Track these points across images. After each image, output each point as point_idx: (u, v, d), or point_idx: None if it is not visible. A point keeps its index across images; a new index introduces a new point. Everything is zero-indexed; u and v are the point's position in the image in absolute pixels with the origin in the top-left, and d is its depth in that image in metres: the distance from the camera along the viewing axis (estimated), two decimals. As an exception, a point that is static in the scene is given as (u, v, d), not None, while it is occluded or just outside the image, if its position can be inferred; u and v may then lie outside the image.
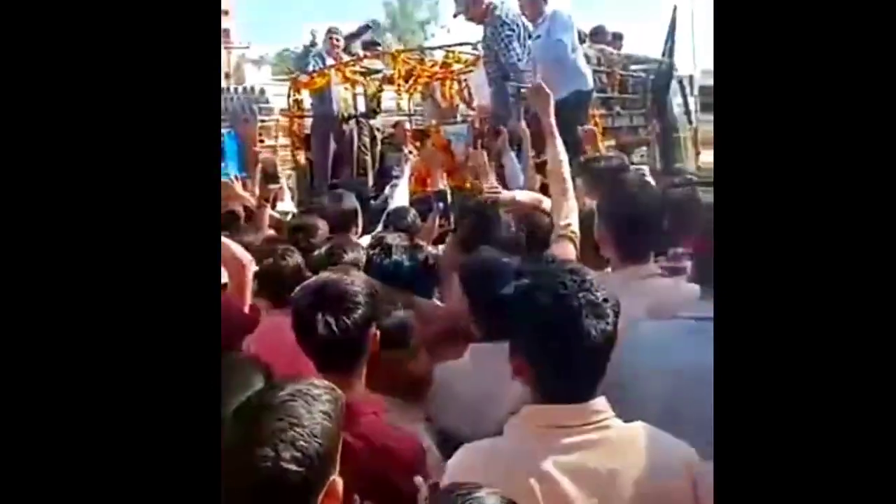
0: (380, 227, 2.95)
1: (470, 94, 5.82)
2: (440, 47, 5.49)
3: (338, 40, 5.72)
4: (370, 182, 5.35)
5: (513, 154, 3.82)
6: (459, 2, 4.14)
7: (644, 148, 6.46)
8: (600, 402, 1.11)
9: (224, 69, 19.17)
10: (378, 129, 5.84)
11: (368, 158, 5.56)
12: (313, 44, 5.96)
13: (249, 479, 0.83)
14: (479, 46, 4.49)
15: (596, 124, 5.17)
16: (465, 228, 2.29)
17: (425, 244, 2.27)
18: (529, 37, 4.17)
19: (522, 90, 3.92)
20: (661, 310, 1.64)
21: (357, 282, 1.43)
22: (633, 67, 6.65)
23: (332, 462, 0.91)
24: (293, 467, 0.83)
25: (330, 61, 5.36)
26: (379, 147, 5.79)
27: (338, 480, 0.92)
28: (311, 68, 5.25)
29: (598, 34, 6.23)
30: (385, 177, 5.52)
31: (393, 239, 2.06)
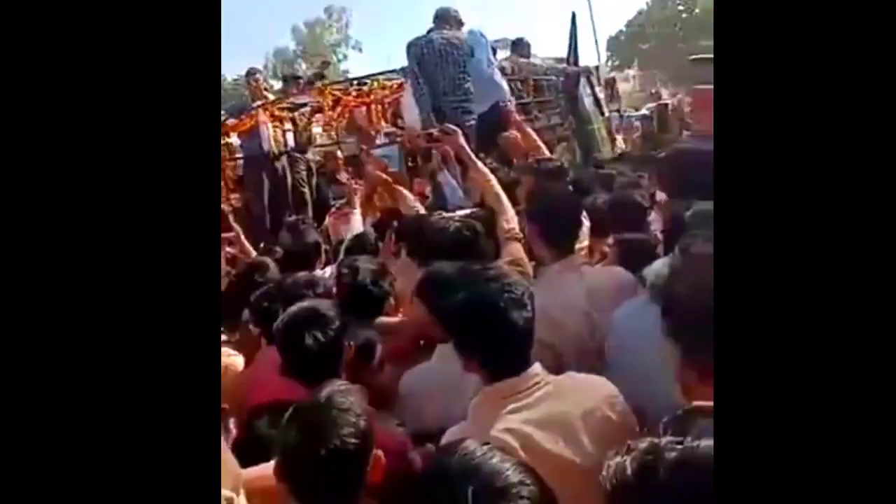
0: (341, 255, 3.13)
1: (394, 115, 6.07)
2: (365, 77, 5.67)
3: (257, 80, 5.86)
4: (310, 213, 5.48)
5: (447, 172, 4.07)
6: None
7: (564, 143, 6.84)
8: (535, 367, 1.40)
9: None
10: (313, 162, 5.99)
11: (307, 191, 5.69)
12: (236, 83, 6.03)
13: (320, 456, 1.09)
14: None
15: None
16: (413, 244, 2.51)
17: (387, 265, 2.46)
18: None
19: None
20: (598, 292, 1.93)
21: (330, 305, 1.76)
22: (543, 72, 7.05)
23: (373, 437, 1.17)
24: (352, 440, 1.11)
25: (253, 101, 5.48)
26: (315, 179, 5.94)
27: (379, 454, 1.16)
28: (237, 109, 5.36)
29: (512, 45, 6.60)
30: (323, 207, 5.68)
31: (363, 263, 2.24)
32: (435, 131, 3.12)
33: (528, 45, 7.04)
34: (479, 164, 2.83)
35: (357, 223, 3.83)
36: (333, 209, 5.41)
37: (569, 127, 7.09)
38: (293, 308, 1.74)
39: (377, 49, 44.11)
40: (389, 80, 5.55)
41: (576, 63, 7.53)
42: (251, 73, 6.07)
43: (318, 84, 5.80)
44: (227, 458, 1.01)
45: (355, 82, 6.33)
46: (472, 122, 4.30)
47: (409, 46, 4.23)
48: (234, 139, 5.43)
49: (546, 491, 0.85)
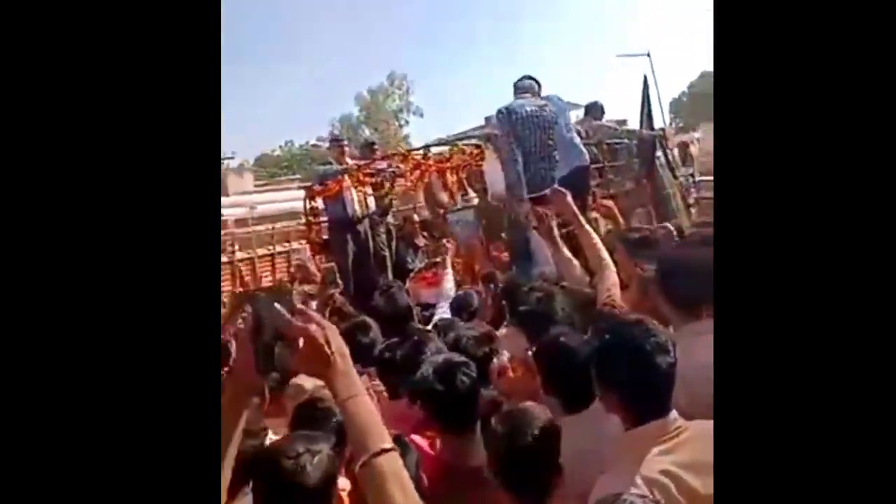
0: (437, 317, 3.14)
1: (468, 180, 6.17)
2: (444, 142, 5.84)
3: (342, 147, 6.09)
4: (390, 276, 5.56)
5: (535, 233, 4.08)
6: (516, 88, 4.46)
7: (640, 209, 6.79)
8: (674, 413, 1.46)
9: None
10: (392, 226, 6.12)
11: (387, 254, 5.80)
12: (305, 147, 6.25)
13: None
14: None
15: (594, 195, 5.54)
16: (528, 311, 2.50)
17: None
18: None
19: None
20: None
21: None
22: (617, 135, 7.08)
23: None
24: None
25: (336, 166, 5.68)
26: (394, 242, 6.05)
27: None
28: (323, 175, 5.56)
29: (586, 109, 6.69)
30: (402, 269, 5.76)
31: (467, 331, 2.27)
32: (548, 192, 3.11)
33: (602, 109, 7.12)
34: (587, 225, 2.84)
35: (450, 284, 3.84)
36: (412, 273, 5.48)
37: (643, 192, 7.04)
38: (436, 359, 1.82)
39: (437, 115, 45.51)
40: (468, 145, 5.65)
41: (650, 127, 7.52)
42: (336, 139, 6.32)
43: (402, 150, 5.96)
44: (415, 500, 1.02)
45: (432, 149, 6.50)
46: None
47: (500, 112, 4.31)
48: (318, 203, 5.60)
49: None
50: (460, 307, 3.27)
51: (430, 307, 3.82)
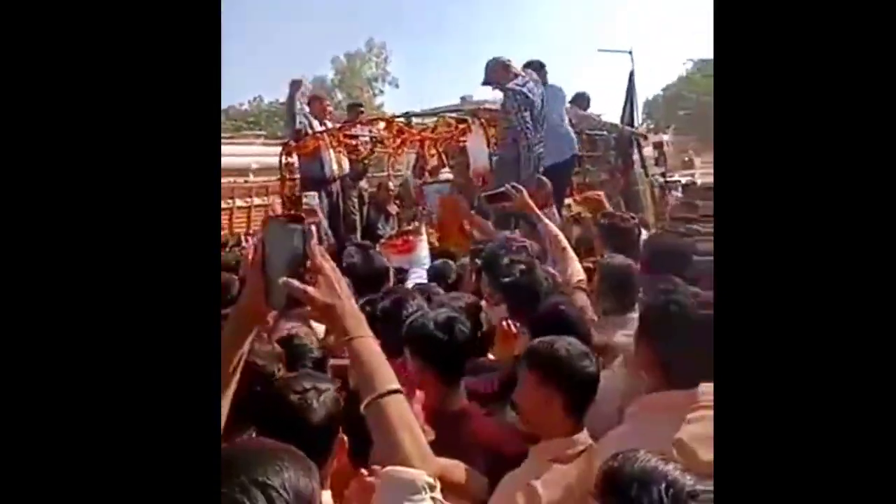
0: (410, 281, 3.11)
1: (446, 155, 6.14)
2: (436, 113, 5.77)
3: (323, 104, 5.96)
4: (358, 238, 5.50)
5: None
6: (487, 68, 4.41)
7: (611, 201, 6.88)
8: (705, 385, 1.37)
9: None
10: (364, 190, 6.04)
11: (357, 218, 5.73)
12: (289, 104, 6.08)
13: None
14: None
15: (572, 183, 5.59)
16: (511, 282, 2.49)
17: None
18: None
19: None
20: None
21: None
22: (599, 127, 7.13)
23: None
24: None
25: (316, 124, 5.56)
26: (366, 207, 5.98)
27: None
28: (301, 131, 5.43)
29: (573, 98, 6.71)
30: (372, 234, 5.70)
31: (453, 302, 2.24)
32: (507, 187, 3.19)
33: (588, 100, 7.15)
34: (546, 220, 3.02)
35: (425, 252, 3.81)
36: (382, 239, 5.43)
37: (616, 185, 7.13)
38: (436, 312, 1.85)
39: (412, 87, 45.00)
40: (453, 118, 5.60)
41: (630, 123, 7.61)
42: (317, 97, 6.18)
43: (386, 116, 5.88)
44: (424, 443, 1.00)
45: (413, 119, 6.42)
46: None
47: (515, 91, 4.25)
48: (294, 159, 5.48)
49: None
50: (437, 276, 3.24)
51: (401, 272, 3.78)
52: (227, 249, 4.58)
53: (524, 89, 4.27)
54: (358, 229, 5.73)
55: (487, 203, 3.79)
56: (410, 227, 5.09)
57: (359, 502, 1.29)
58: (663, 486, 0.90)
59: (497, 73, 4.36)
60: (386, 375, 1.00)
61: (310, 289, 0.98)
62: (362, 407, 0.98)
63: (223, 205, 6.74)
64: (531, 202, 3.14)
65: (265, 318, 1.08)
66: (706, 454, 1.27)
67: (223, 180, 6.96)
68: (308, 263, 0.99)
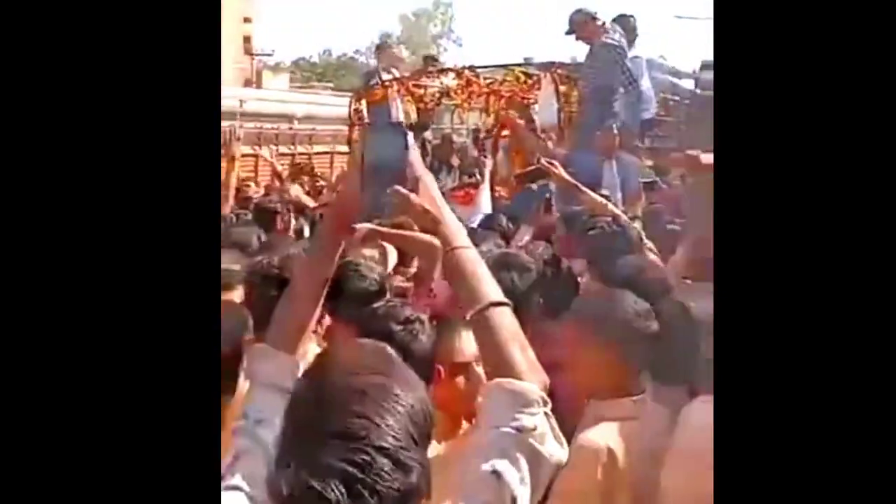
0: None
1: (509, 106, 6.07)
2: (507, 66, 5.70)
3: (392, 51, 5.98)
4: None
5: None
6: (572, 21, 4.33)
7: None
8: None
9: (247, 76, 19.36)
10: (428, 141, 6.07)
11: (420, 168, 5.77)
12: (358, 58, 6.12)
13: None
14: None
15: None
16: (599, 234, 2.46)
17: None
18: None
19: None
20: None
21: None
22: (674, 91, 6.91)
23: None
24: None
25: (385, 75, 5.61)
26: (429, 158, 6.01)
27: None
28: (373, 81, 5.49)
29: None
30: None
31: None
32: (543, 162, 3.14)
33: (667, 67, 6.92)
34: (589, 192, 2.90)
35: (486, 203, 3.84)
36: (444, 190, 5.47)
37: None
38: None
39: (476, 46, 44.30)
40: (523, 73, 5.53)
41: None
42: (385, 44, 6.19)
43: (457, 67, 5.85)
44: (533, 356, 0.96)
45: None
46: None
47: (616, 46, 4.16)
48: (363, 106, 5.55)
49: None
50: (488, 227, 3.22)
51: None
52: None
53: (620, 44, 4.17)
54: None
55: (516, 182, 3.72)
56: (472, 180, 5.11)
57: (454, 407, 1.31)
58: None
59: (585, 26, 4.26)
60: (491, 286, 0.96)
61: (415, 196, 0.96)
62: (468, 316, 0.94)
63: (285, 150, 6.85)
64: (568, 177, 2.99)
65: (354, 229, 1.08)
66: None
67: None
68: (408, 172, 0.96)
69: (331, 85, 17.85)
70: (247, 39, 20.44)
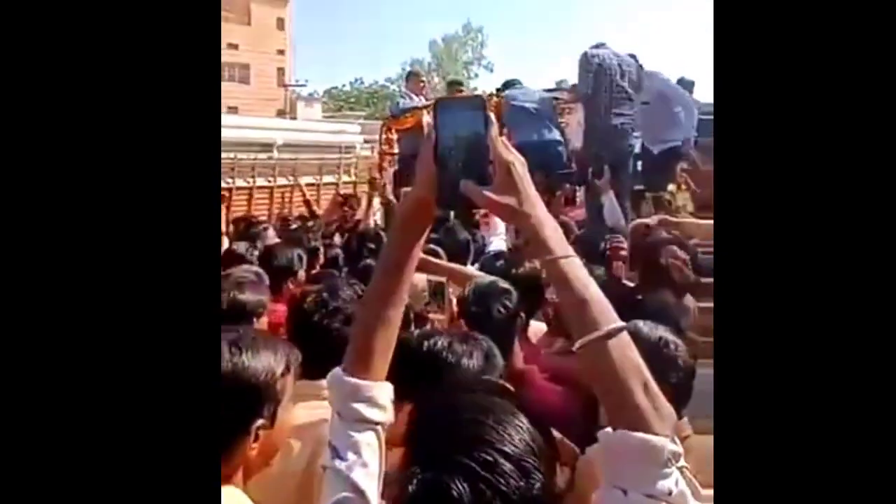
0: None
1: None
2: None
3: (422, 81, 6.04)
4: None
5: (611, 193, 4.05)
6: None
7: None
8: None
9: (280, 106, 19.85)
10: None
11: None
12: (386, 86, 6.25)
13: None
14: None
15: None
16: None
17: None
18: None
19: None
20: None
21: None
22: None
23: None
24: None
25: (415, 101, 5.64)
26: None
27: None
28: (401, 107, 5.53)
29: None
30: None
31: None
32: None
33: (692, 86, 6.86)
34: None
35: (501, 226, 3.80)
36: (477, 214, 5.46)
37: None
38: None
39: (508, 72, 44.70)
40: (554, 97, 5.52)
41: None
42: (414, 73, 6.27)
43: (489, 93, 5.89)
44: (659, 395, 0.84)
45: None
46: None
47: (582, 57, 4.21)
48: (393, 135, 5.60)
49: None
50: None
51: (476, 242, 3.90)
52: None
53: (596, 53, 4.23)
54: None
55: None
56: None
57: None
58: None
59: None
60: (606, 309, 0.77)
61: (493, 195, 0.78)
62: (576, 347, 0.77)
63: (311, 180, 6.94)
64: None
65: (432, 222, 0.90)
66: None
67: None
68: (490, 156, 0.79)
69: (363, 114, 18.13)
70: (280, 72, 21.04)
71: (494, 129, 0.80)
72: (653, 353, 1.25)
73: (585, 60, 4.35)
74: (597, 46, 4.52)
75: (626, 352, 0.76)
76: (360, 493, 0.82)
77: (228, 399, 0.98)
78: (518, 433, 0.72)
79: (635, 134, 4.49)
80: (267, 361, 1.04)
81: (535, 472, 0.70)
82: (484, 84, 33.19)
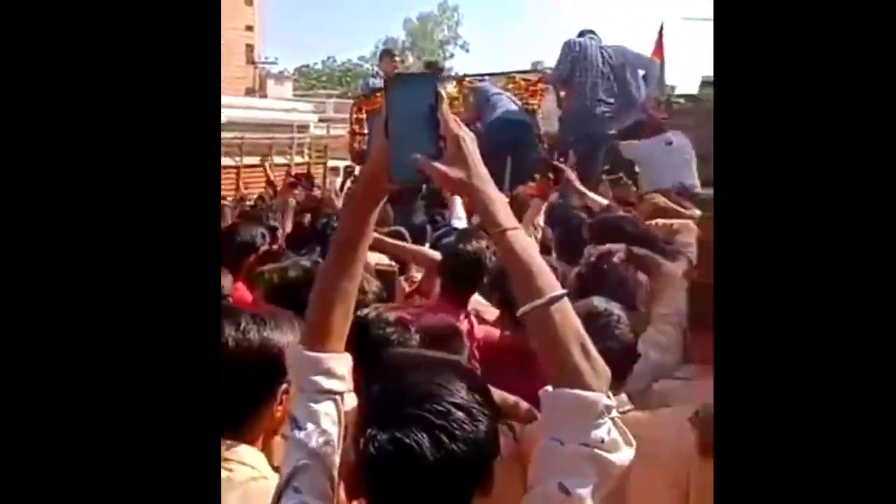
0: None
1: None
2: (510, 73, 5.64)
3: (394, 60, 5.92)
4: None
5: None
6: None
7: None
8: None
9: (249, 84, 19.43)
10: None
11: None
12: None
13: None
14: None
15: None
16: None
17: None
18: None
19: None
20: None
21: None
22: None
23: None
24: None
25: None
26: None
27: None
28: (371, 87, 5.43)
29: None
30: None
31: None
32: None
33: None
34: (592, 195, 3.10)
35: (459, 208, 3.72)
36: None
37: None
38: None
39: (483, 52, 44.45)
40: (525, 80, 5.47)
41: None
42: (388, 52, 6.15)
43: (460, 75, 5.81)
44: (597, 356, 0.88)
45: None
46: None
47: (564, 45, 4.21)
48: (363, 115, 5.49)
49: None
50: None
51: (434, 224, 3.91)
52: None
53: (579, 41, 4.29)
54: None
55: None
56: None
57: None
58: None
59: None
60: (548, 278, 0.82)
61: (444, 167, 0.80)
62: (519, 313, 0.82)
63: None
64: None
65: (385, 195, 0.90)
66: None
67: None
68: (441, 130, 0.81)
69: (335, 92, 17.85)
70: (249, 48, 20.52)
71: (445, 105, 0.82)
72: (595, 322, 1.32)
73: (567, 46, 4.39)
74: (582, 34, 4.50)
75: (566, 317, 0.81)
76: (318, 458, 0.84)
77: (257, 367, 1.07)
78: (463, 388, 0.79)
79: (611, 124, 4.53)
80: (285, 330, 1.13)
81: (481, 416, 0.78)
82: (459, 64, 33.00)
